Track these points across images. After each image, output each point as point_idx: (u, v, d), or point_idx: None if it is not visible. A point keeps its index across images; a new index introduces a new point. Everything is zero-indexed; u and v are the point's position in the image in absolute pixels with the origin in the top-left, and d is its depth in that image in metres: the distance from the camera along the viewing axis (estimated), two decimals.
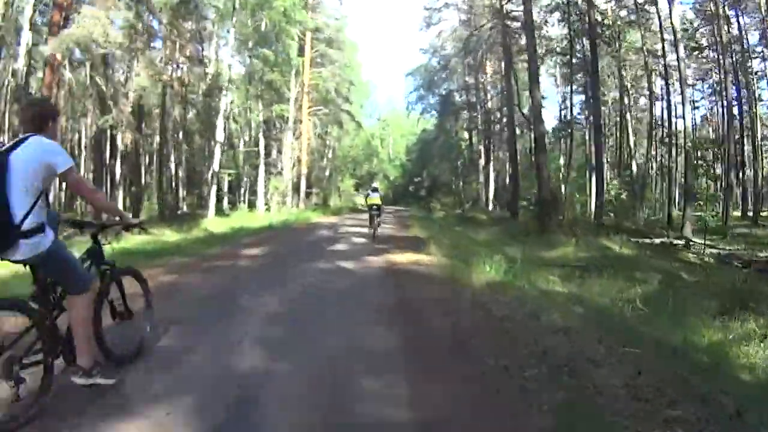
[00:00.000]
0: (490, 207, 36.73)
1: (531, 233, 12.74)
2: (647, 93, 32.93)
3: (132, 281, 3.58)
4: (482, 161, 30.60)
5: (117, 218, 3.32)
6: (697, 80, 31.98)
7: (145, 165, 34.67)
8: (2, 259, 2.54)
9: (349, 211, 35.07)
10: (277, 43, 27.78)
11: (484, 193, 32.37)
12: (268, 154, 31.08)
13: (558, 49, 24.74)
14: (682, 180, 28.70)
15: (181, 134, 33.97)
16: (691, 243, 15.37)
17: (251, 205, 30.74)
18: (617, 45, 23.70)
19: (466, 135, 38.70)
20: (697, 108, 35.01)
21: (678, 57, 19.58)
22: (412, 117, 69.26)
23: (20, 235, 2.48)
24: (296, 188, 34.63)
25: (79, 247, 3.46)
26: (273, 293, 5.85)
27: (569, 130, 25.94)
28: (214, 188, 25.20)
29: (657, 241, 15.82)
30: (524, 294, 5.93)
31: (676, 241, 16.13)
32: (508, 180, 35.61)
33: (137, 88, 18.21)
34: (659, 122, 31.74)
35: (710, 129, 34.92)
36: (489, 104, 31.98)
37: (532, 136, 17.96)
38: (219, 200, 31.24)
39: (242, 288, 6.13)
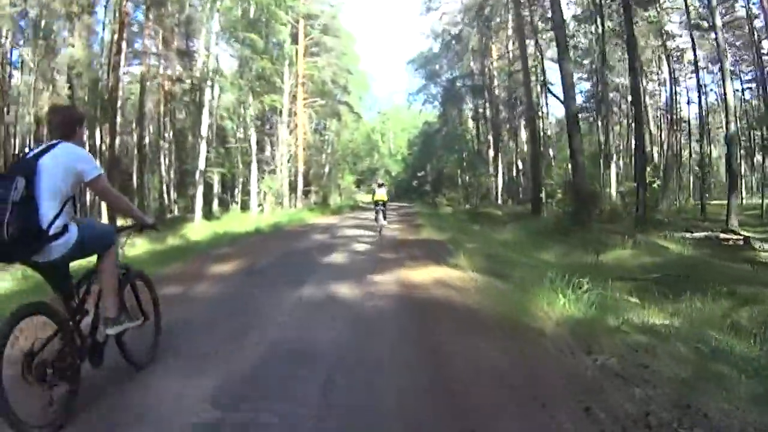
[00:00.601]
0: (499, 201, 34.59)
1: (567, 231, 10.49)
2: (661, 76, 30.81)
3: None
4: (491, 152, 28.29)
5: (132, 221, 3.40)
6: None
7: (137, 166, 32.72)
8: (33, 262, 2.61)
9: (350, 210, 32.83)
10: (267, 29, 25.56)
11: (493, 187, 30.02)
12: (261, 151, 28.88)
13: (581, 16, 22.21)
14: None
15: (170, 132, 31.96)
16: (746, 238, 13.21)
17: (245, 206, 28.54)
18: (656, 6, 21.29)
19: (471, 125, 36.43)
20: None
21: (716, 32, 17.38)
22: (413, 110, 67.54)
23: (49, 238, 2.55)
24: (293, 187, 32.55)
25: None
26: (199, 374, 3.19)
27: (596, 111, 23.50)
28: (200, 189, 23.02)
29: (699, 235, 13.59)
30: (631, 343, 3.67)
31: (723, 236, 13.86)
32: (515, 172, 33.39)
33: (71, 62, 15.89)
34: (675, 106, 29.55)
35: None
36: (496, 90, 29.65)
37: (539, 127, 15.69)
38: (209, 202, 29.34)
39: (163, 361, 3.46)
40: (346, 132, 39.13)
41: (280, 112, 27.70)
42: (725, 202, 24.09)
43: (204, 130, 23.13)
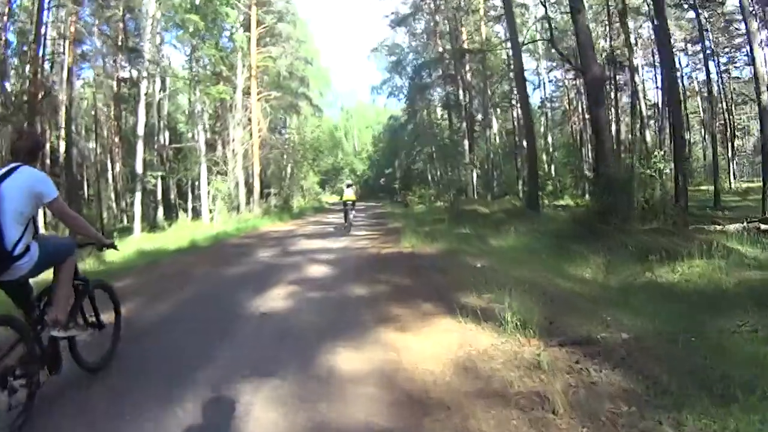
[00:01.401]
0: (475, 196, 32.54)
1: (597, 233, 8.08)
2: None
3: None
4: (466, 143, 26.05)
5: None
6: None
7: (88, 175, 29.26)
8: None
9: (313, 213, 30.06)
10: (212, 13, 22.58)
11: (470, 181, 27.77)
12: (213, 151, 25.80)
13: None
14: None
15: (117, 136, 28.46)
16: None
17: (197, 214, 25.40)
18: None
19: (440, 115, 34.23)
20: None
21: None
22: (377, 106, 65.35)
23: (13, 259, 2.69)
24: (250, 189, 29.63)
25: None
26: None
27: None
28: (138, 196, 19.85)
29: (732, 227, 11.37)
30: None
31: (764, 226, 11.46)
32: (489, 165, 31.39)
33: None
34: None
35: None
36: (468, 76, 27.45)
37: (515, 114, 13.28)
38: (156, 209, 26.24)
39: None
40: (307, 128, 36.20)
41: (231, 107, 24.68)
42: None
43: (140, 129, 19.99)
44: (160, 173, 23.41)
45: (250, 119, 26.50)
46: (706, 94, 26.65)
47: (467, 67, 27.26)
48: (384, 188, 45.50)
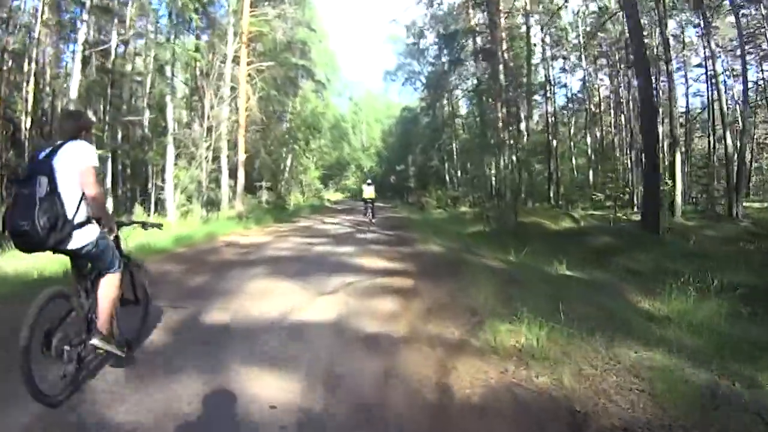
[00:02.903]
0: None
1: None
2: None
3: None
4: (505, 134, 20.85)
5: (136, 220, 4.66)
6: None
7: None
8: (62, 251, 2.91)
9: (309, 214, 24.82)
10: None
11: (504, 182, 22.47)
12: (187, 127, 20.77)
13: None
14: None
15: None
16: None
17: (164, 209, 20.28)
18: None
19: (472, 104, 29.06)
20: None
21: None
22: (389, 99, 60.39)
23: (74, 227, 2.89)
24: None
25: None
26: None
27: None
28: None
29: None
30: None
31: None
32: (521, 168, 26.15)
33: None
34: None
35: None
36: (506, 55, 22.24)
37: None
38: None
39: None
40: (308, 107, 30.95)
41: (209, 73, 19.59)
42: None
43: (73, 91, 14.92)
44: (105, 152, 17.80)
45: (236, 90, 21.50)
46: None
47: (503, 45, 21.99)
48: (394, 187, 40.12)
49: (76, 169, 2.87)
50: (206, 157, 17.78)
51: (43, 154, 2.91)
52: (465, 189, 28.43)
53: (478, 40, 24.45)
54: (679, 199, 19.04)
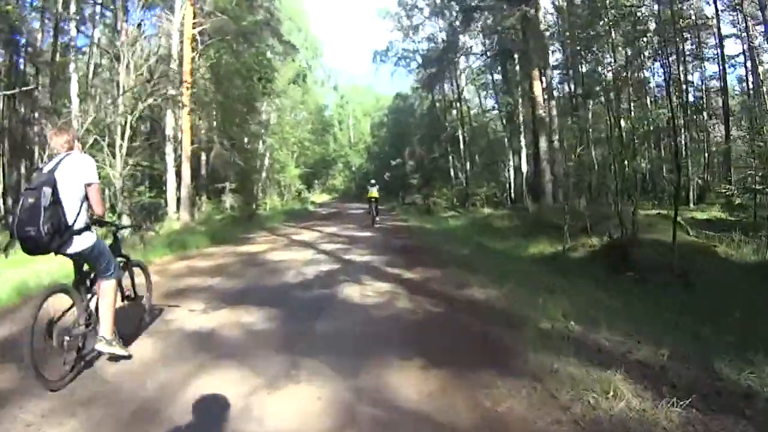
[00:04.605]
0: (526, 202, 22.09)
1: None
2: None
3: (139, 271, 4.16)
4: (544, 113, 15.07)
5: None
6: None
7: None
8: (63, 253, 3.19)
9: (284, 220, 19.22)
10: None
11: (549, 178, 16.13)
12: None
13: None
14: None
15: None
16: None
17: None
18: None
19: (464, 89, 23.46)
20: None
21: None
22: (378, 90, 55.19)
23: (73, 233, 3.19)
24: (197, 183, 19.08)
25: None
26: None
27: None
28: None
29: None
30: None
31: None
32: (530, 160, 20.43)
33: None
34: None
35: None
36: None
37: None
38: None
39: None
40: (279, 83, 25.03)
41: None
42: None
43: None
44: None
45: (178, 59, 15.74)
46: None
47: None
48: (388, 185, 34.11)
49: (77, 181, 3.21)
50: (121, 147, 11.98)
51: (47, 168, 3.22)
52: (475, 184, 23.07)
53: None
54: None
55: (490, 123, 27.23)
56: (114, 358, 3.38)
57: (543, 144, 14.54)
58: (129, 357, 3.38)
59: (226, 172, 22.07)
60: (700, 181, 17.64)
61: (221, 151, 18.71)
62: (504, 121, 23.02)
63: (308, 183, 39.33)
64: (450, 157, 28.54)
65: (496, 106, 25.97)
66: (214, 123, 19.88)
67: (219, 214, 19.90)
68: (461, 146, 26.93)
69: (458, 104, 26.97)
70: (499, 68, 20.63)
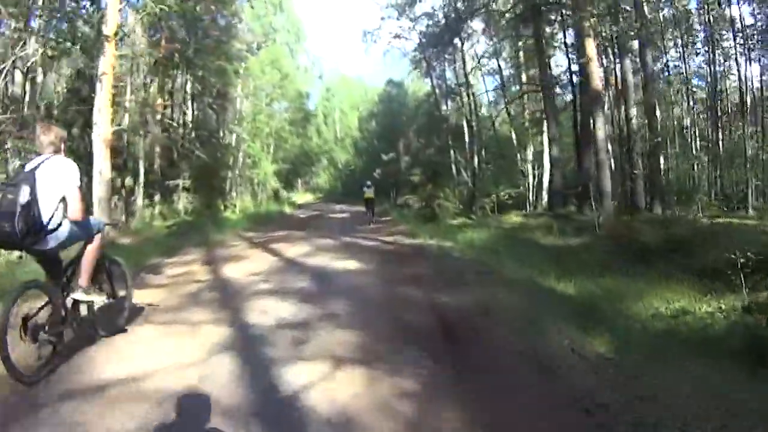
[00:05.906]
0: (540, 207, 18.21)
1: None
2: None
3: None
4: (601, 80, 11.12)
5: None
6: None
7: None
8: (35, 250, 3.28)
9: (248, 229, 14.70)
10: None
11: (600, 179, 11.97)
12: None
13: None
14: None
15: None
16: None
17: None
18: None
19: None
20: None
21: None
22: (365, 82, 51.12)
23: (47, 231, 3.23)
24: (126, 181, 14.66)
25: None
26: None
27: None
28: None
29: None
30: None
31: None
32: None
33: None
34: None
35: None
36: None
37: None
38: None
39: None
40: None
41: None
42: None
43: None
44: None
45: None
46: None
47: None
48: (379, 184, 29.68)
49: (56, 183, 3.25)
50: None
51: (29, 166, 3.31)
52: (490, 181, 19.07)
53: None
54: None
55: (502, 112, 23.08)
56: (104, 335, 3.75)
57: (600, 125, 10.47)
58: (106, 302, 3.74)
59: (179, 165, 17.73)
60: None
61: (159, 136, 14.23)
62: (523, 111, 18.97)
63: (288, 181, 34.77)
64: (452, 152, 24.35)
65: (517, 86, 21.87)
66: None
67: (172, 218, 15.69)
68: (466, 139, 22.79)
69: (467, 89, 22.73)
70: (531, 29, 16.33)
